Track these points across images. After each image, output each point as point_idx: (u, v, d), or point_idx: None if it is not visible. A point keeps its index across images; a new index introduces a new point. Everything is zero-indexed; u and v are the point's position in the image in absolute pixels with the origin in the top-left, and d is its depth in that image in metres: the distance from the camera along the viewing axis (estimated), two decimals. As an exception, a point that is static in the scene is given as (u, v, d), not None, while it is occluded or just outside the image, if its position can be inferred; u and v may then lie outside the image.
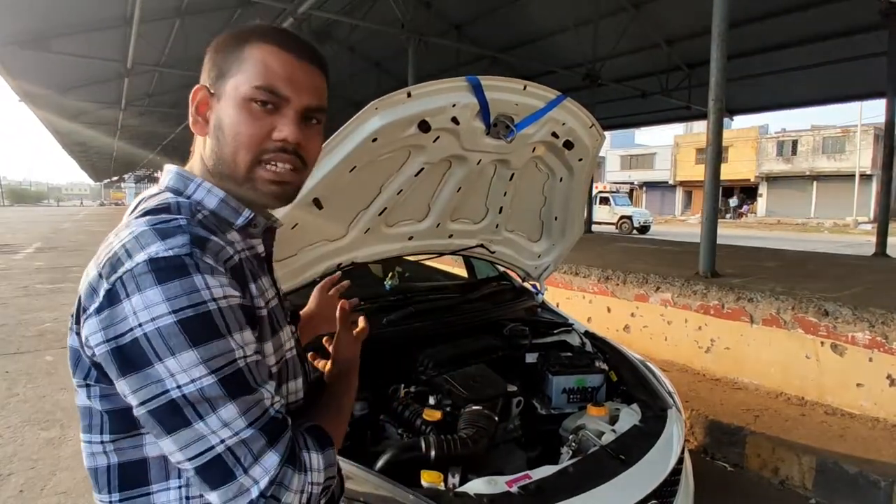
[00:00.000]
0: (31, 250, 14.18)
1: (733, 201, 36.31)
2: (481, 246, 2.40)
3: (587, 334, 2.48)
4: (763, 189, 35.64)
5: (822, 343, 3.63)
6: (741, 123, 34.63)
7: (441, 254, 2.42)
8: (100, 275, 0.65)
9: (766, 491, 2.95)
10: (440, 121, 1.65)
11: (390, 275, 2.50)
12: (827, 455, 2.89)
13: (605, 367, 2.19)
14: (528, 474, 1.48)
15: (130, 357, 0.62)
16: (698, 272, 4.92)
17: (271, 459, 0.64)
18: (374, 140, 1.55)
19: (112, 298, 0.62)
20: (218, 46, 0.79)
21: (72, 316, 0.70)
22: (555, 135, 1.98)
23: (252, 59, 0.75)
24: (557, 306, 2.93)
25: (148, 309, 0.61)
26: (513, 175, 2.14)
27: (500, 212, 2.30)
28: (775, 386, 3.84)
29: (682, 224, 29.73)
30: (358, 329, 1.09)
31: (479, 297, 2.54)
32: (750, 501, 2.88)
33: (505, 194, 2.23)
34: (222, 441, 0.63)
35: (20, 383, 4.27)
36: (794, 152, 34.16)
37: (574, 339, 2.46)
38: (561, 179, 2.25)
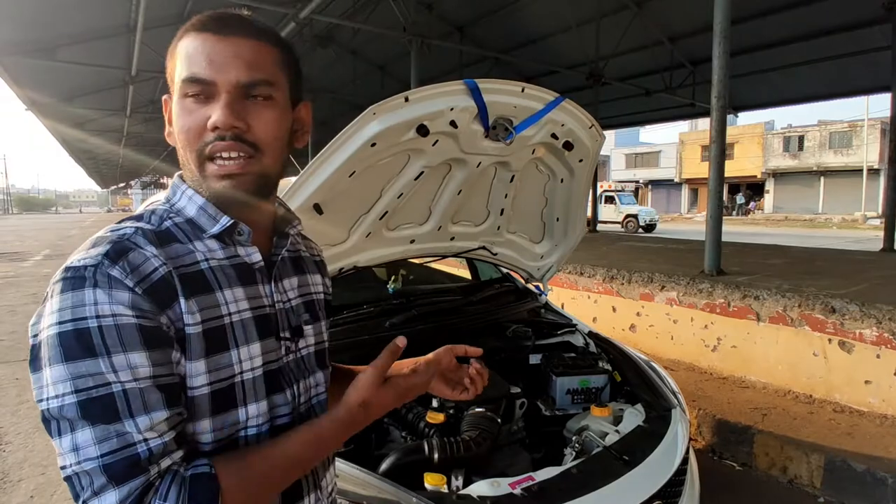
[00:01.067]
0: (39, 258, 14.31)
1: (740, 198, 36.07)
2: (483, 248, 2.40)
3: (591, 335, 2.48)
4: (770, 185, 35.41)
5: (830, 340, 3.61)
6: (746, 120, 34.49)
7: (443, 256, 2.43)
8: None
9: (775, 490, 2.93)
10: (439, 124, 1.66)
11: (393, 278, 2.50)
12: (835, 453, 2.87)
13: (608, 367, 2.19)
14: (532, 476, 1.48)
15: (31, 358, 0.63)
16: (704, 270, 4.91)
17: (108, 500, 0.59)
18: (373, 145, 1.56)
19: (43, 302, 0.65)
20: (167, 55, 0.75)
21: None
22: (554, 136, 1.98)
23: (178, 54, 0.71)
24: (562, 307, 2.93)
25: (47, 316, 0.62)
26: (513, 177, 2.14)
27: (502, 214, 2.31)
28: (783, 384, 3.82)
29: (688, 222, 29.59)
30: (397, 372, 0.87)
31: (482, 299, 2.54)
32: (759, 500, 2.86)
33: (506, 196, 2.23)
34: (69, 465, 0.61)
35: (29, 390, 4.24)
36: (800, 148, 33.94)
37: (578, 340, 2.46)
38: (562, 180, 2.25)
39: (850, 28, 9.25)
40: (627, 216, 21.97)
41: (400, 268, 3.07)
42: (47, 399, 0.61)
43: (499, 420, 1.74)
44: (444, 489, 1.44)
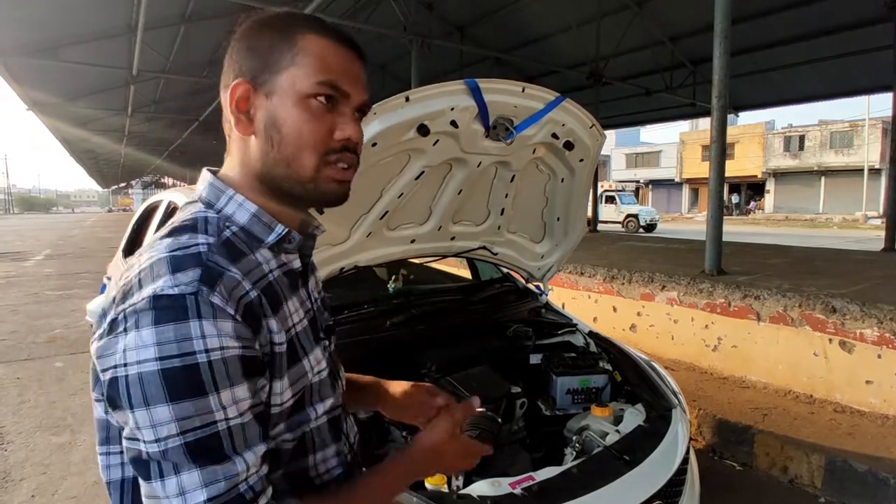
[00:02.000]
0: (40, 257, 14.32)
1: (735, 198, 35.98)
2: (484, 248, 2.40)
3: (591, 334, 2.48)
4: (770, 185, 35.41)
5: (830, 340, 3.61)
6: (747, 119, 34.49)
7: (443, 256, 2.43)
8: (113, 299, 0.62)
9: (776, 490, 2.93)
10: (439, 124, 1.66)
11: (394, 278, 2.51)
12: (836, 453, 2.87)
13: (609, 367, 2.19)
14: (532, 476, 1.48)
15: (112, 394, 0.59)
16: (704, 270, 4.91)
17: None
18: (374, 144, 1.56)
19: (112, 329, 0.60)
20: (254, 34, 0.71)
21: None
22: (555, 136, 1.98)
23: (308, 51, 0.69)
24: (563, 307, 2.93)
25: (136, 350, 0.57)
26: (514, 177, 2.14)
27: (502, 213, 2.31)
28: (783, 384, 3.82)
29: (689, 222, 29.58)
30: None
31: (483, 299, 2.55)
32: (759, 500, 2.86)
33: (506, 196, 2.23)
34: None
35: (31, 389, 4.32)
36: (801, 147, 33.93)
37: (578, 340, 2.46)
38: (562, 180, 2.25)
39: (851, 27, 9.26)
40: (628, 216, 21.98)
41: (401, 268, 3.08)
42: (146, 441, 0.57)
43: (499, 420, 1.74)
44: (445, 489, 1.44)
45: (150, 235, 0.71)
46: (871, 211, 27.45)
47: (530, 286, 2.74)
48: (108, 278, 3.92)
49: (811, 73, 11.33)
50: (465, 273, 3.58)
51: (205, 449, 0.57)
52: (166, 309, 0.57)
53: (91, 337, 0.64)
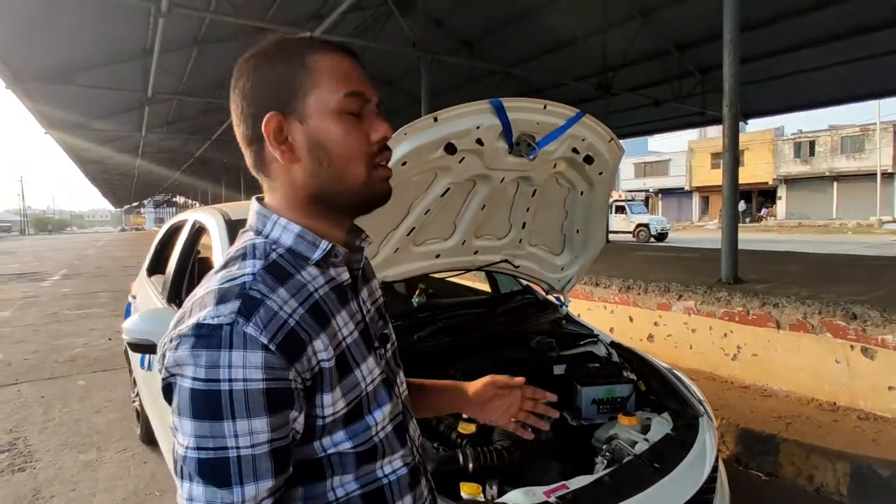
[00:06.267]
0: (57, 277, 14.53)
1: (742, 205, 35.76)
2: (506, 261, 2.44)
3: (613, 344, 2.50)
4: (782, 191, 35.20)
5: (852, 347, 3.59)
6: (756, 126, 34.39)
7: (467, 270, 2.47)
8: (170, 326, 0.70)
9: (803, 499, 2.91)
10: (465, 143, 1.71)
11: (418, 292, 2.55)
12: (861, 460, 2.86)
13: (633, 376, 2.21)
14: (565, 484, 1.50)
15: (166, 393, 0.67)
16: (721, 279, 4.90)
17: None
18: (404, 164, 1.61)
19: (162, 349, 0.67)
20: (261, 69, 0.74)
21: None
22: (575, 150, 2.02)
23: (322, 70, 0.73)
24: (579, 317, 2.95)
25: (176, 367, 0.63)
26: (535, 191, 2.19)
27: (523, 227, 2.35)
28: (806, 392, 3.80)
29: (700, 230, 29.42)
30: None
31: (505, 311, 2.58)
32: (786, 510, 2.85)
33: (527, 210, 2.28)
34: None
35: (55, 408, 4.38)
36: (811, 153, 33.77)
37: (600, 350, 2.48)
38: (582, 193, 2.29)
39: (860, 32, 9.25)
40: (639, 226, 21.93)
41: (419, 282, 3.12)
42: (178, 442, 0.64)
43: (529, 429, 1.76)
44: (480, 497, 1.47)
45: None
46: (886, 216, 27.17)
47: (550, 298, 2.77)
48: (134, 297, 3.99)
49: (820, 78, 11.31)
50: (482, 286, 3.61)
51: (211, 469, 0.62)
52: (202, 337, 0.63)
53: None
